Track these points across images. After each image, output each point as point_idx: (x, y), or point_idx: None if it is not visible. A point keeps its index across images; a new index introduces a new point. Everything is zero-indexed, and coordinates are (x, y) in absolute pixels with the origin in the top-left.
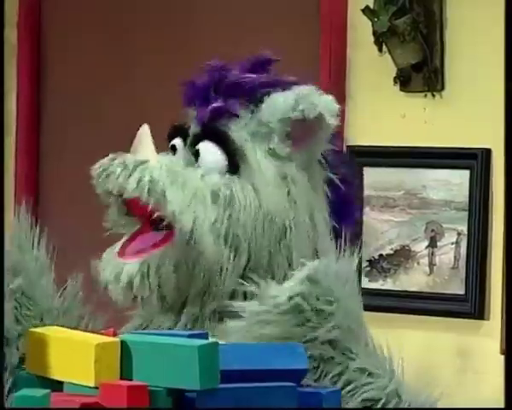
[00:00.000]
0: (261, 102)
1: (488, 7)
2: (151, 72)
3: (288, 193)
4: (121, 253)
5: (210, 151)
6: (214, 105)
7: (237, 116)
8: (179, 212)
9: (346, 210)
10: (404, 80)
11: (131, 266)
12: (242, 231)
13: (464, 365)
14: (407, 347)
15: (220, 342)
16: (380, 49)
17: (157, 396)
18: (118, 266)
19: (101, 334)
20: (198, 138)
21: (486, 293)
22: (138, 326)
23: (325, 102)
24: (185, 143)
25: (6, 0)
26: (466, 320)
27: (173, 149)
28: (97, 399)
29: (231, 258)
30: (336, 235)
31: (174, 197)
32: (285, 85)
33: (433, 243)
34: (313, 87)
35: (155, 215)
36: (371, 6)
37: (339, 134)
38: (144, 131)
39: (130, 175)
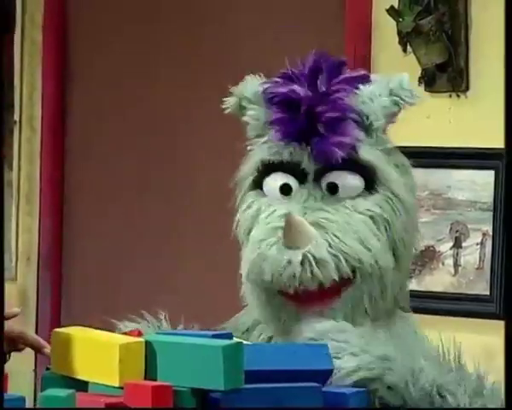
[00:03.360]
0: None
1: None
2: (177, 72)
3: (405, 181)
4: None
5: (348, 180)
6: (335, 140)
7: (353, 138)
8: (370, 257)
9: None
10: (428, 80)
11: (332, 313)
12: (401, 238)
13: (489, 366)
14: None
15: (244, 343)
16: (404, 50)
17: (181, 396)
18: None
19: (126, 334)
20: (321, 172)
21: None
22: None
23: (406, 83)
24: (300, 181)
25: (31, 1)
26: (491, 321)
27: (286, 186)
28: (122, 399)
29: (404, 262)
30: None
31: (359, 250)
32: (357, 83)
33: (457, 244)
34: (385, 77)
35: (358, 276)
36: (396, 6)
37: None
38: (295, 219)
39: (324, 264)
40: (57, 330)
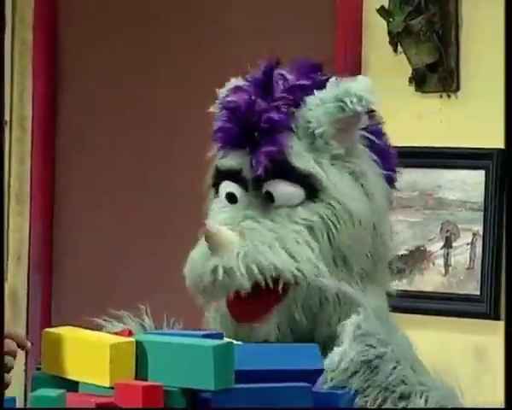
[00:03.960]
0: (301, 114)
1: (504, 7)
2: (171, 71)
3: (364, 188)
4: (237, 317)
5: (283, 189)
6: (267, 150)
7: (291, 147)
8: (297, 269)
9: (387, 158)
10: (419, 80)
11: (266, 328)
12: (346, 247)
13: (479, 365)
14: (422, 347)
15: (235, 343)
16: (395, 50)
17: (172, 396)
18: (247, 332)
19: (117, 334)
20: (261, 181)
21: (502, 293)
22: None
23: (362, 86)
24: (244, 188)
25: (21, 0)
26: (481, 321)
27: (231, 195)
28: (112, 399)
29: (345, 275)
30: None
31: (281, 260)
32: (312, 88)
33: (448, 244)
34: (337, 78)
35: (280, 286)
36: (386, 6)
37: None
38: (213, 230)
39: (235, 270)
40: (48, 330)
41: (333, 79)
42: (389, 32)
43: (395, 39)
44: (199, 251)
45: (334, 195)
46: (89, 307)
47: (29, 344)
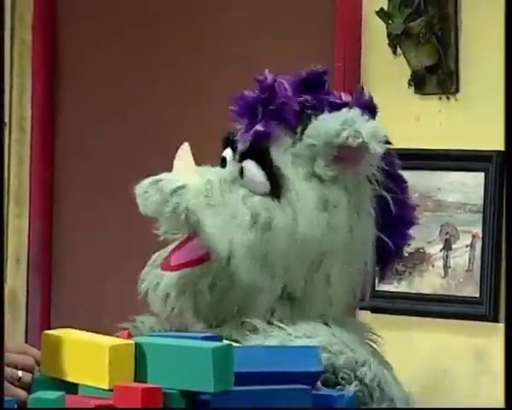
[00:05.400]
0: (308, 123)
1: (503, 9)
2: (170, 71)
3: (329, 218)
4: (165, 263)
5: (253, 171)
6: (257, 128)
7: (280, 141)
8: (216, 238)
9: (396, 229)
10: (418, 83)
11: (170, 279)
12: (279, 256)
13: (479, 367)
14: (421, 349)
15: (234, 345)
16: (394, 52)
17: (171, 398)
18: (158, 277)
19: (116, 336)
20: (243, 156)
21: (501, 296)
22: None
23: (371, 129)
24: (234, 155)
25: (21, 0)
26: (480, 323)
27: (223, 159)
28: (112, 401)
29: (267, 281)
30: (386, 252)
31: (210, 224)
32: (332, 107)
33: (447, 246)
34: (359, 112)
35: (194, 240)
36: (386, 8)
37: (392, 155)
38: (184, 150)
39: (167, 202)
40: (47, 332)
41: (347, 110)
42: (388, 35)
43: (394, 41)
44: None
45: (294, 205)
46: (88, 308)
47: None
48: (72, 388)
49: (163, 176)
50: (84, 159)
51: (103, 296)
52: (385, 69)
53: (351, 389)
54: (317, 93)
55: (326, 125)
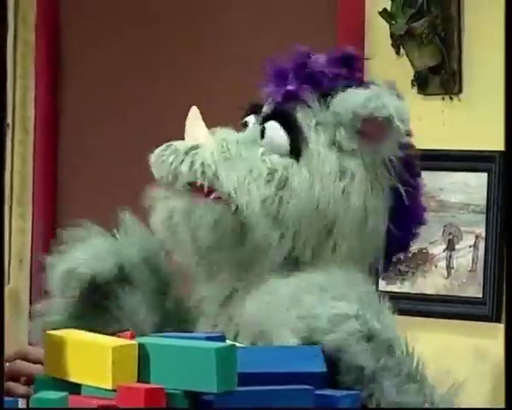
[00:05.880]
0: (335, 95)
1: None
2: (174, 72)
3: (344, 188)
4: None
5: (275, 131)
6: (288, 88)
7: (309, 106)
8: (234, 191)
9: (405, 224)
10: (421, 83)
11: (176, 201)
12: (292, 215)
13: (481, 367)
14: (424, 350)
15: (238, 345)
16: (397, 52)
17: (174, 399)
18: (167, 199)
19: (119, 336)
20: (267, 117)
21: (504, 296)
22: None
23: (396, 105)
24: (257, 120)
25: (24, 1)
26: (483, 323)
27: (245, 125)
28: (115, 401)
29: (277, 239)
30: (391, 245)
31: (227, 177)
32: (363, 83)
33: (450, 246)
34: (389, 89)
35: (212, 196)
36: (389, 8)
37: (412, 146)
38: (194, 114)
39: (183, 161)
40: (50, 332)
41: (374, 86)
42: (391, 35)
43: (397, 42)
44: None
45: (312, 168)
46: None
47: None
48: (74, 388)
49: (175, 142)
50: (87, 159)
51: None
52: (388, 69)
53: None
54: (349, 69)
55: (354, 96)
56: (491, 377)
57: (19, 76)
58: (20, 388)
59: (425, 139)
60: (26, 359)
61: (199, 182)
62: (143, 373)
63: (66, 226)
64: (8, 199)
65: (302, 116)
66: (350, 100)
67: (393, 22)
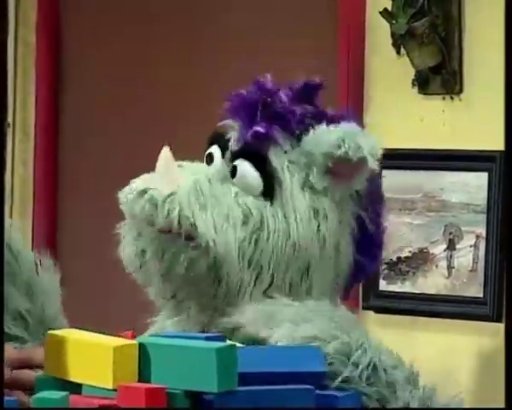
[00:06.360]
0: (305, 133)
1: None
2: (175, 74)
3: (318, 228)
4: None
5: (247, 171)
6: (257, 129)
7: (279, 144)
8: (212, 240)
9: (370, 251)
10: (422, 83)
11: (150, 242)
12: (267, 257)
13: (482, 367)
14: (425, 350)
15: (238, 345)
16: (398, 52)
17: (175, 398)
18: (139, 237)
19: (120, 336)
20: (237, 155)
21: (505, 296)
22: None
23: (370, 145)
24: (223, 155)
25: (25, 1)
26: (484, 323)
27: (210, 156)
28: (115, 401)
29: (252, 281)
30: (358, 269)
31: (205, 225)
32: (331, 120)
33: (451, 246)
34: (358, 127)
35: (192, 244)
36: (389, 8)
37: (377, 173)
38: (166, 155)
39: (159, 209)
40: (51, 332)
41: (346, 123)
42: (392, 35)
43: (398, 42)
44: (145, 176)
45: (286, 209)
46: (92, 310)
47: None
48: (75, 388)
49: (147, 183)
50: (88, 160)
51: (108, 297)
52: (388, 69)
53: (344, 374)
54: (315, 104)
55: (327, 135)
56: (492, 376)
57: (19, 77)
58: (26, 398)
59: (425, 139)
60: (30, 364)
61: (175, 231)
62: (144, 373)
63: (66, 227)
64: (8, 199)
65: (274, 156)
66: (323, 140)
67: (394, 22)
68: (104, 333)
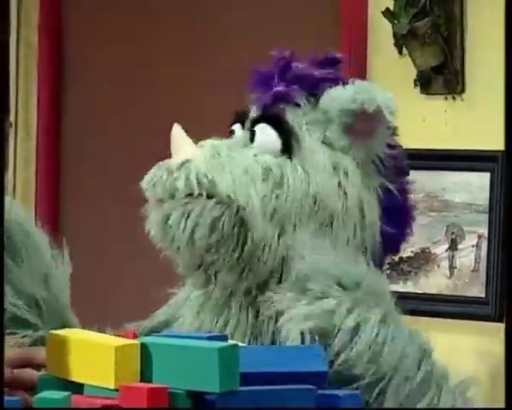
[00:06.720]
0: (322, 95)
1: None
2: (176, 74)
3: (339, 183)
4: None
5: (265, 132)
6: (277, 89)
7: (297, 105)
8: (233, 193)
9: (398, 221)
10: (424, 83)
11: (174, 206)
12: (289, 212)
13: (484, 367)
14: None
15: (240, 345)
16: (400, 52)
17: (177, 398)
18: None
19: (122, 336)
20: (256, 121)
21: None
22: (162, 323)
23: (384, 98)
24: (243, 127)
25: (27, 1)
26: (486, 323)
27: (231, 133)
28: (117, 401)
29: (275, 237)
30: (387, 240)
31: (224, 181)
32: (347, 82)
33: (453, 246)
34: (372, 83)
35: (213, 202)
36: (391, 8)
37: (400, 146)
38: (177, 131)
39: (177, 177)
40: (53, 332)
41: (358, 81)
42: (394, 35)
43: (400, 41)
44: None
45: (305, 165)
46: (94, 310)
47: None
48: (77, 388)
49: (165, 162)
50: (89, 160)
51: (110, 296)
52: (390, 69)
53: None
54: (334, 70)
55: (342, 92)
56: (493, 376)
57: (21, 77)
58: (28, 397)
59: (428, 139)
60: (31, 363)
61: (196, 193)
62: (146, 373)
63: (68, 226)
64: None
65: (292, 116)
66: (338, 96)
67: (396, 22)
68: (106, 333)
